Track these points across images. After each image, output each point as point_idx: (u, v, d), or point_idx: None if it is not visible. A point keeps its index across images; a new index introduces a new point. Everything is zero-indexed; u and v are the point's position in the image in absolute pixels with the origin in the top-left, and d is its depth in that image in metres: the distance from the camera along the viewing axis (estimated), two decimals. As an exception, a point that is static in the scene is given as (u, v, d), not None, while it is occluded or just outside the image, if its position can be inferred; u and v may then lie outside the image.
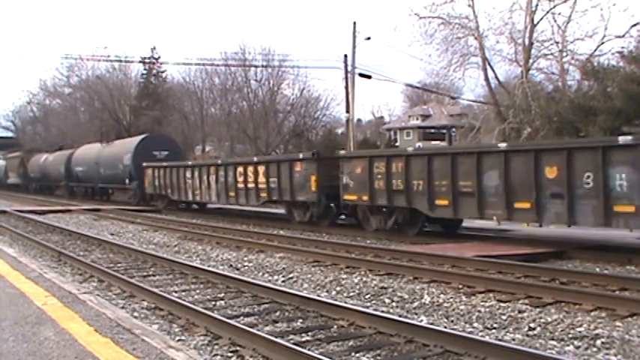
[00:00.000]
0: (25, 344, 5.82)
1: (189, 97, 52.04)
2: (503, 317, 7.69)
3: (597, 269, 11.38)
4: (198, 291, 9.67)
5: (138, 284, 9.56)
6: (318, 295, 9.14)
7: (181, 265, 11.82)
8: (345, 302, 8.57)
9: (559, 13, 30.66)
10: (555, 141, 19.71)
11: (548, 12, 30.69)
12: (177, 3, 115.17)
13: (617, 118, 22.48)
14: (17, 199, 40.22)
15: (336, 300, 8.80)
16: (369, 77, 34.90)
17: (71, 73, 57.26)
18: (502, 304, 8.29)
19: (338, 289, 9.82)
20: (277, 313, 7.98)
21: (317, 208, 18.80)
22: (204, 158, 43.37)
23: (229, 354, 6.26)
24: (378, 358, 6.19)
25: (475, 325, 7.49)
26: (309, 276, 10.90)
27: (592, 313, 7.78)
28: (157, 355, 5.45)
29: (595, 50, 30.05)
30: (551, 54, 31.70)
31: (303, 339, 6.76)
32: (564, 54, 31.04)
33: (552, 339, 6.77)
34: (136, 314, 7.91)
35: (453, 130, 52.55)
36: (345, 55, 34.19)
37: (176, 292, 9.49)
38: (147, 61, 53.56)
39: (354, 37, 33.60)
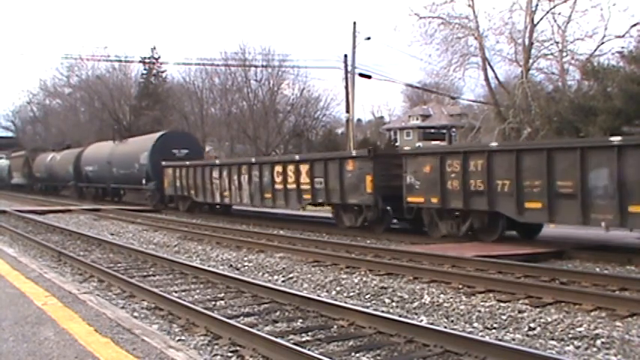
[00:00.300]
0: (25, 344, 5.81)
1: (189, 97, 52.01)
2: (503, 317, 7.69)
3: (597, 269, 11.39)
4: (198, 291, 9.67)
5: (138, 284, 9.56)
6: (318, 295, 9.14)
7: (181, 265, 11.82)
8: (345, 302, 8.57)
9: (559, 13, 30.70)
10: None
11: (548, 12, 30.71)
12: (177, 3, 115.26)
13: (617, 118, 22.48)
14: (19, 199, 39.89)
15: (336, 300, 8.80)
16: (369, 77, 34.94)
17: (71, 73, 57.42)
18: (502, 304, 8.29)
19: (338, 289, 9.82)
20: (277, 313, 7.98)
21: (372, 211, 16.89)
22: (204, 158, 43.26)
23: (229, 354, 6.26)
24: (378, 358, 6.19)
25: (475, 325, 7.49)
26: (309, 276, 10.90)
27: (592, 313, 7.78)
28: (156, 355, 5.44)
29: (595, 50, 30.08)
30: (551, 54, 31.72)
31: (303, 339, 6.76)
32: (564, 54, 31.05)
33: (552, 339, 6.77)
34: (136, 314, 7.91)
35: (453, 130, 52.61)
36: (345, 55, 34.24)
37: (176, 292, 9.48)
38: (147, 61, 53.64)
39: (354, 37, 33.63)
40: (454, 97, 48.98)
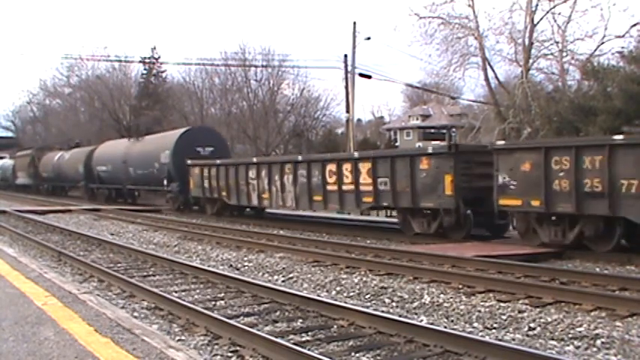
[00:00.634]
0: (25, 344, 5.81)
1: (189, 97, 52.04)
2: (503, 317, 7.68)
3: (597, 269, 11.38)
4: (198, 291, 9.67)
5: (138, 284, 9.56)
6: (318, 295, 9.14)
7: (181, 265, 11.82)
8: (345, 302, 8.57)
9: (559, 13, 30.72)
10: None
11: (548, 12, 30.73)
12: (177, 3, 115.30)
13: (617, 118, 22.47)
14: (19, 199, 39.52)
15: (336, 300, 8.80)
16: (369, 77, 34.95)
17: (71, 73, 57.49)
18: (502, 304, 8.29)
19: (338, 289, 9.82)
20: (277, 313, 7.98)
21: (452, 216, 14.71)
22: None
23: (229, 354, 6.26)
24: (378, 358, 6.19)
25: (475, 325, 7.49)
26: (309, 276, 10.90)
27: (592, 313, 7.78)
28: (156, 355, 5.44)
29: (595, 50, 30.11)
30: (551, 54, 31.76)
31: (303, 339, 6.76)
32: (564, 54, 31.07)
33: (552, 339, 6.77)
34: (135, 314, 7.91)
35: (453, 130, 52.54)
36: (345, 55, 34.24)
37: (176, 292, 9.48)
38: (147, 61, 53.66)
39: (354, 37, 33.64)
40: (454, 97, 49.02)
